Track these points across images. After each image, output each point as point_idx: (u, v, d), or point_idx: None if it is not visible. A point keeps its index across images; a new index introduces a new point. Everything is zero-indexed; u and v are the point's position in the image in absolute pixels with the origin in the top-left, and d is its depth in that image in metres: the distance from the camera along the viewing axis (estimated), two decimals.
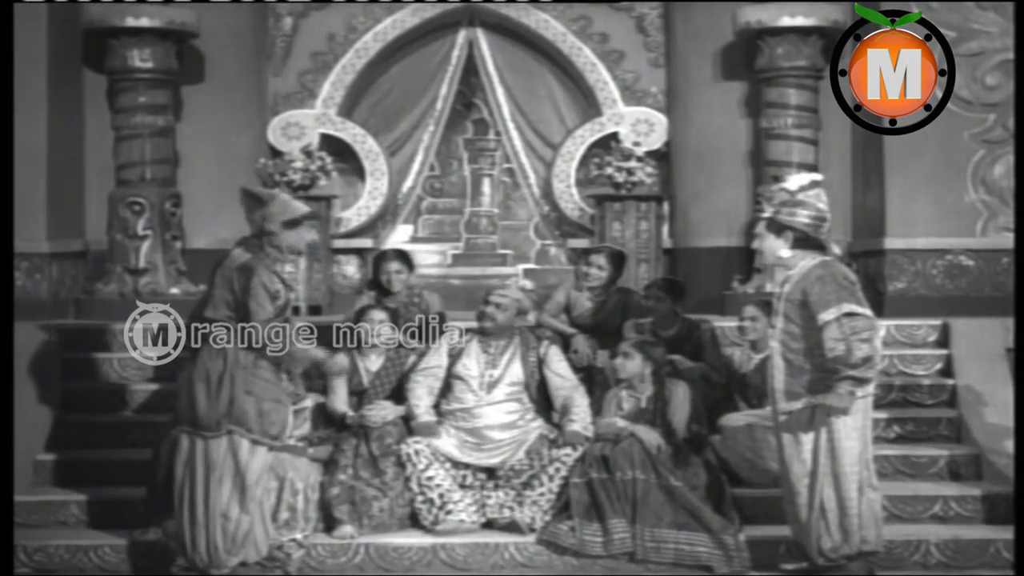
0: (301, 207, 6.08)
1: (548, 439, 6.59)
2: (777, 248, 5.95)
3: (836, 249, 6.06)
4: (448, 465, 6.53)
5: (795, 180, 6.05)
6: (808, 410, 5.82)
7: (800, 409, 5.83)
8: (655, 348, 6.81)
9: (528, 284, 6.86)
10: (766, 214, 6.07)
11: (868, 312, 5.79)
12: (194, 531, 5.81)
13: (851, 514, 5.81)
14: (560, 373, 6.83)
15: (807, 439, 5.84)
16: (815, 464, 5.83)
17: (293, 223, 5.96)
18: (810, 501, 5.85)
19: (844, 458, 5.79)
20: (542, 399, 6.81)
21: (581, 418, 6.66)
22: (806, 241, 5.90)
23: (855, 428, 5.80)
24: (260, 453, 5.86)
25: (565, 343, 7.38)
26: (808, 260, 5.89)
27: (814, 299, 5.77)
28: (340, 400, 6.76)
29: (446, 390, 6.74)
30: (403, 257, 7.61)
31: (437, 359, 6.76)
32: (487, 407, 6.65)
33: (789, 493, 5.96)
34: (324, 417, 6.67)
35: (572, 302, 7.71)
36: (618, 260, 7.81)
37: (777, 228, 5.94)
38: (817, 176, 6.15)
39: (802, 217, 5.88)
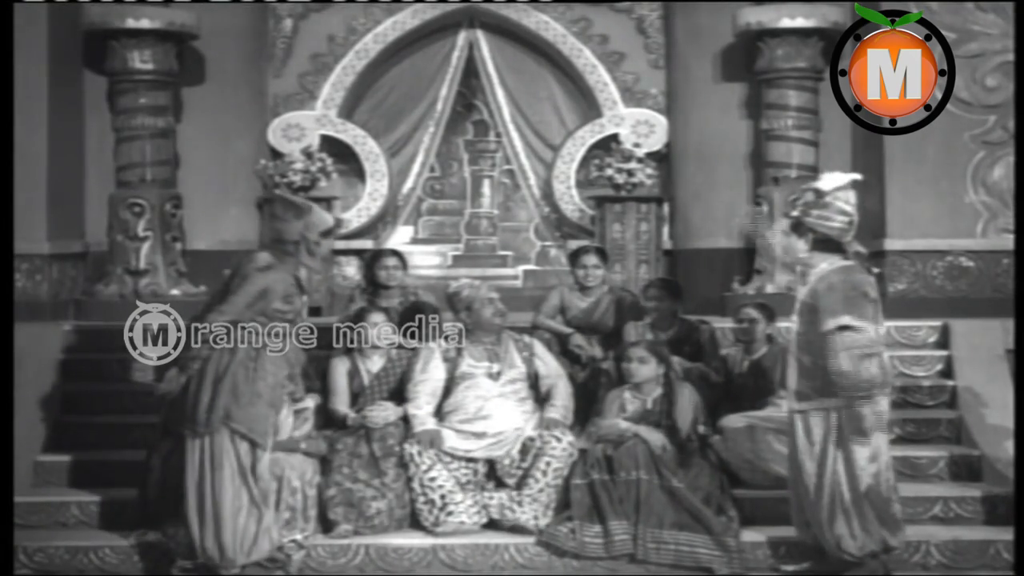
0: (330, 217, 6.28)
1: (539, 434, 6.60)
2: (797, 249, 5.89)
3: (859, 247, 5.91)
4: (453, 466, 6.52)
5: (829, 180, 5.88)
6: (820, 413, 5.81)
7: (809, 411, 5.82)
8: (664, 349, 6.83)
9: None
10: (794, 213, 5.91)
11: (867, 326, 5.73)
12: (203, 531, 5.79)
13: (866, 512, 5.79)
14: (546, 362, 6.86)
15: (818, 439, 5.82)
16: (825, 463, 5.81)
17: (328, 232, 6.09)
18: (830, 502, 5.80)
19: (857, 456, 5.78)
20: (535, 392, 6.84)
21: (562, 405, 6.70)
22: (825, 243, 5.84)
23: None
24: (258, 451, 5.85)
25: (562, 343, 7.43)
26: (826, 264, 5.84)
27: (822, 306, 5.75)
28: (342, 402, 6.75)
29: (448, 391, 6.71)
30: (399, 255, 7.71)
31: (436, 364, 6.72)
32: (497, 399, 6.64)
33: (801, 495, 5.93)
34: (324, 417, 6.66)
35: (566, 303, 7.74)
36: (605, 256, 7.96)
37: (801, 229, 5.88)
38: (856, 176, 5.96)
39: (829, 221, 5.78)
